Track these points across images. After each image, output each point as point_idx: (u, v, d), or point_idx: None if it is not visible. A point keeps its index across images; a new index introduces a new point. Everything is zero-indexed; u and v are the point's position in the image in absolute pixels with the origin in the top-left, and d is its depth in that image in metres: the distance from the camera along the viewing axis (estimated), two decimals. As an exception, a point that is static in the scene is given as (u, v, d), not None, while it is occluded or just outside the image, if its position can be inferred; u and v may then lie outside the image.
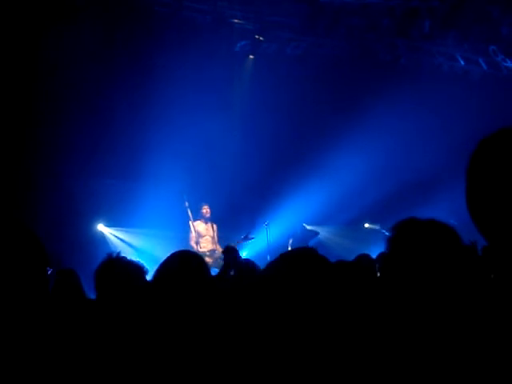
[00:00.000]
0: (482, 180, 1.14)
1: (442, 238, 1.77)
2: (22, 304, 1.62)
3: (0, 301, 1.57)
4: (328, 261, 1.94)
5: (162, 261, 2.43)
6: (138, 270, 2.83)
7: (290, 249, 7.84)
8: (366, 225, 11.85)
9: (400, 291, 1.76)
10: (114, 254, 2.94)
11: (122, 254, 2.96)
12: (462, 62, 11.26)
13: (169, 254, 2.44)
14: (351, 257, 4.58)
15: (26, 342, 1.59)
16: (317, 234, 11.53)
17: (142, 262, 2.93)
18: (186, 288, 2.20)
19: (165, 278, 2.26)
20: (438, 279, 1.72)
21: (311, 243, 10.18)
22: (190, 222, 9.02)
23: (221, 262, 8.85)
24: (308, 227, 11.59)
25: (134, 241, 10.44)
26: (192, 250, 8.63)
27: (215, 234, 9.20)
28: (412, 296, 1.73)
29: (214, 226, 9.24)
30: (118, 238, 10.45)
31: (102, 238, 10.28)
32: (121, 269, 2.78)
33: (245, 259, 5.06)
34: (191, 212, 9.08)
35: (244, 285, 2.77)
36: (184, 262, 2.36)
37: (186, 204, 9.06)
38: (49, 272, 1.74)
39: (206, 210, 9.10)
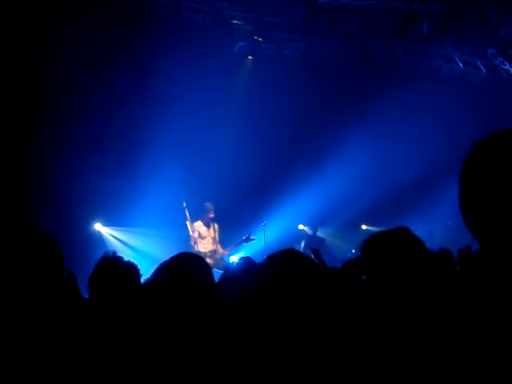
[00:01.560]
0: (475, 182, 1.14)
1: (405, 248, 1.98)
2: (39, 306, 1.64)
3: (18, 302, 1.60)
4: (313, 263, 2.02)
5: (161, 261, 2.39)
6: (132, 271, 2.81)
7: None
8: (364, 226, 11.88)
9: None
10: (110, 253, 2.92)
11: (119, 254, 2.94)
12: (461, 65, 11.27)
13: (171, 256, 2.41)
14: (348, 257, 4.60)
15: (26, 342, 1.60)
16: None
17: (136, 263, 2.90)
18: (188, 290, 2.19)
19: (167, 280, 2.25)
20: (404, 282, 1.95)
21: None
22: (188, 223, 8.87)
23: (222, 263, 8.80)
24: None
25: (131, 240, 10.43)
26: (192, 250, 8.58)
27: (216, 235, 8.95)
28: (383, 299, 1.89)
29: (216, 225, 8.97)
30: (116, 237, 10.45)
31: (100, 238, 10.28)
32: (114, 271, 2.76)
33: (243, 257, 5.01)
34: (188, 212, 8.94)
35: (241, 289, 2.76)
36: (186, 264, 2.34)
37: (184, 204, 8.95)
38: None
39: (211, 212, 8.86)
